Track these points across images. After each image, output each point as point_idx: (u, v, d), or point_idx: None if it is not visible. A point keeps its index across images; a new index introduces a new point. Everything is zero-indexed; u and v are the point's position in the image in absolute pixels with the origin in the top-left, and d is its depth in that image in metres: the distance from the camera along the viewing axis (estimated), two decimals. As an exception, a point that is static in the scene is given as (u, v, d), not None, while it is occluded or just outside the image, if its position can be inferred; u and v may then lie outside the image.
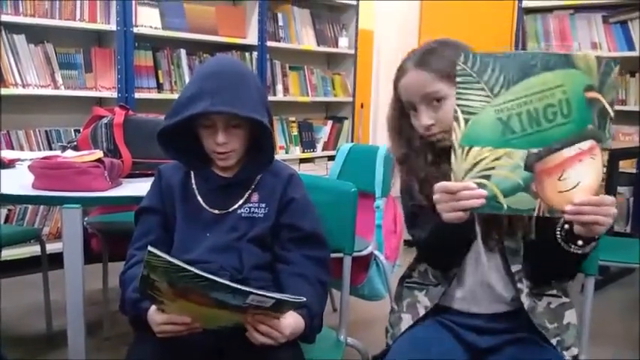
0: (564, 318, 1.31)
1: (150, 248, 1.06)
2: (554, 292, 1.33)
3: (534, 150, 1.06)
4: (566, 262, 1.21)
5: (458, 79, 1.08)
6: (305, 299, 1.18)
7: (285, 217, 1.43)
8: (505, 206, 1.07)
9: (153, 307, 1.24)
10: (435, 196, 1.12)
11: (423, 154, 1.34)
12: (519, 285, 1.29)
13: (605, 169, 1.06)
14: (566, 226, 1.13)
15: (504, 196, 1.07)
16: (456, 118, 1.08)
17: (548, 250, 1.20)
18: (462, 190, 1.08)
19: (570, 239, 1.14)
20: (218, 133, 1.36)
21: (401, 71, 1.33)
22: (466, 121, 1.07)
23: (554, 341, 1.27)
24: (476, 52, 1.08)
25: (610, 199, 1.06)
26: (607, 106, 1.04)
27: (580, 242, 1.13)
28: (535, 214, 1.07)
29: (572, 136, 1.05)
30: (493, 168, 1.07)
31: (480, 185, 1.07)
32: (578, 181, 1.05)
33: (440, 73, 1.26)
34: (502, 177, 1.07)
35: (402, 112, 1.37)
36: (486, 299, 1.32)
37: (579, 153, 1.05)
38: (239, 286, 1.09)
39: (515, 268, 1.29)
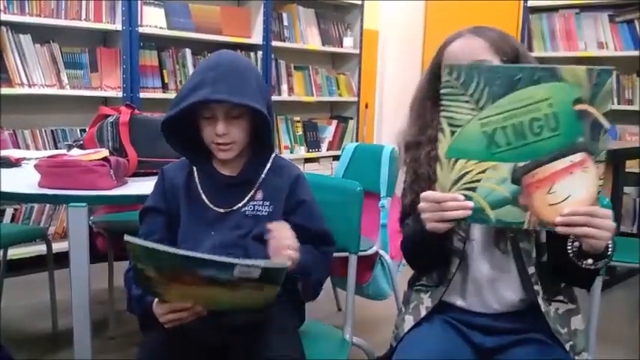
0: (571, 324, 1.30)
1: (126, 237, 1.08)
2: (561, 297, 1.32)
3: (521, 163, 1.05)
4: (579, 276, 1.20)
5: (443, 91, 1.08)
6: (288, 264, 1.17)
7: (295, 218, 1.43)
8: (493, 218, 1.07)
9: (155, 300, 1.26)
10: (421, 205, 1.13)
11: (430, 148, 1.33)
12: (536, 287, 1.28)
13: (600, 175, 1.04)
14: (576, 243, 1.12)
15: (492, 208, 1.07)
16: (442, 130, 1.08)
17: (561, 263, 1.19)
18: (449, 201, 1.08)
19: (581, 256, 1.12)
20: (218, 123, 1.37)
21: (453, 36, 1.31)
22: (452, 132, 1.08)
23: (567, 346, 1.26)
24: (461, 65, 1.09)
25: (604, 211, 1.05)
26: (600, 118, 1.02)
27: (590, 260, 1.11)
28: (525, 227, 1.07)
29: (561, 148, 1.04)
30: (479, 180, 1.07)
31: (467, 197, 1.08)
32: (569, 194, 1.04)
33: (494, 44, 1.26)
34: (489, 189, 1.07)
35: (430, 90, 1.34)
36: (494, 299, 1.32)
37: (569, 166, 1.04)
38: (218, 258, 1.10)
39: (531, 270, 1.28)
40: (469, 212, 1.08)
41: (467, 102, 1.06)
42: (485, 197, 1.07)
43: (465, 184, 1.08)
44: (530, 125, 1.04)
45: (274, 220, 1.42)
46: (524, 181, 1.05)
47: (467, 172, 1.07)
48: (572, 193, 1.04)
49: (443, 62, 1.29)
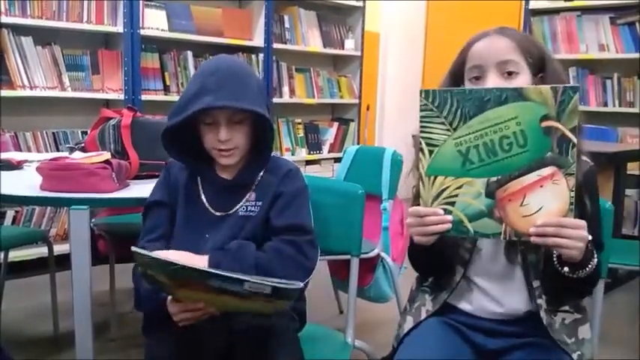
0: (578, 333, 1.30)
1: (133, 248, 1.10)
2: (567, 308, 1.31)
3: (493, 178, 1.11)
4: (570, 283, 1.20)
5: (421, 114, 1.14)
6: (302, 284, 1.17)
7: (272, 211, 1.43)
8: (471, 230, 1.13)
9: (169, 298, 1.27)
10: (407, 220, 1.18)
11: None
12: (539, 301, 1.28)
13: (571, 187, 1.07)
14: (555, 251, 1.15)
15: (470, 221, 1.13)
16: (421, 150, 1.14)
17: (553, 272, 1.20)
18: (430, 215, 1.14)
19: (561, 264, 1.16)
20: (220, 130, 1.37)
21: (478, 36, 1.30)
22: (430, 152, 1.14)
23: (574, 356, 1.25)
24: (435, 89, 1.14)
25: (576, 222, 1.07)
26: (568, 132, 1.06)
27: (566, 269, 1.15)
28: (502, 237, 1.11)
29: (530, 163, 1.09)
30: (457, 195, 1.13)
31: (446, 211, 1.14)
32: (541, 206, 1.08)
33: (520, 45, 1.26)
34: (466, 203, 1.13)
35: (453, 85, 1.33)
36: (499, 307, 1.31)
37: (539, 179, 1.08)
38: (227, 273, 1.10)
39: (536, 283, 1.28)
40: (449, 225, 1.14)
41: (442, 123, 1.13)
42: (463, 210, 1.13)
43: (444, 198, 1.14)
44: (500, 143, 1.10)
45: (263, 218, 1.42)
46: (497, 195, 1.11)
47: (445, 188, 1.14)
48: (545, 204, 1.08)
49: (467, 62, 1.29)
